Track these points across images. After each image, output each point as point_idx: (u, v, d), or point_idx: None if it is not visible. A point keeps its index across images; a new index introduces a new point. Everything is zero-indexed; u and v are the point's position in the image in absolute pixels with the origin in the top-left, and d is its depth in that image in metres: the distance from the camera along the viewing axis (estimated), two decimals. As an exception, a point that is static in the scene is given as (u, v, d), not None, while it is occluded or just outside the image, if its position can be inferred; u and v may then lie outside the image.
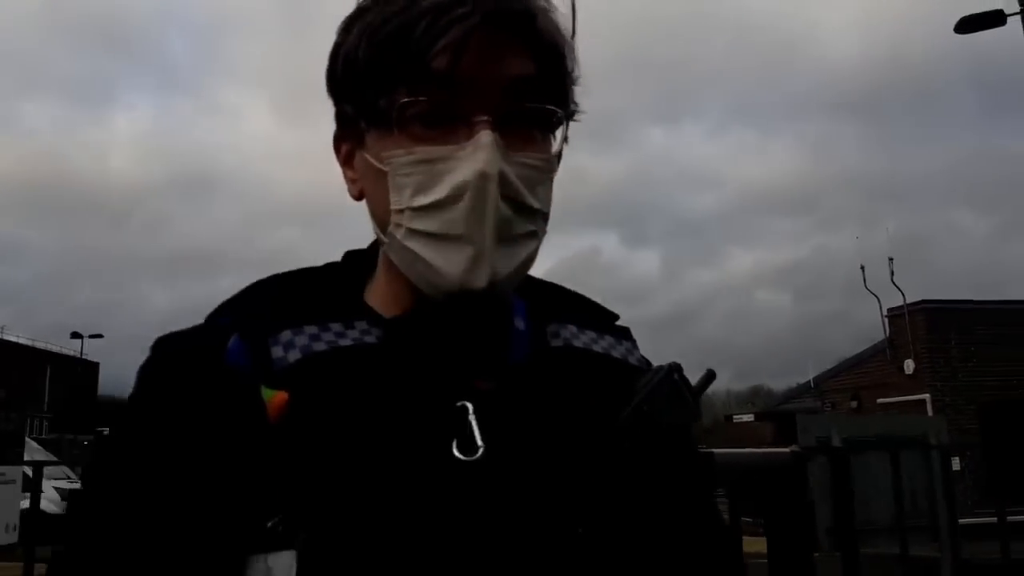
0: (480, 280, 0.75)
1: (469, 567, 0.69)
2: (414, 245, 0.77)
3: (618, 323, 0.94)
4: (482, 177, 0.73)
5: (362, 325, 0.79)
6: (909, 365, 18.91)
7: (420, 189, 0.76)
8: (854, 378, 21.13)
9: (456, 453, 0.73)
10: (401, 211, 0.77)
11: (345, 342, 0.77)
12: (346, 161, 0.85)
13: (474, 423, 0.74)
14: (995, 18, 14.04)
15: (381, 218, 0.80)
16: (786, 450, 1.78)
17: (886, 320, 19.93)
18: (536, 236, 0.80)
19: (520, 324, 0.85)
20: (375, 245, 0.87)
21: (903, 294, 19.40)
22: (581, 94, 0.83)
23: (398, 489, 0.70)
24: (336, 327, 0.78)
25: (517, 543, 0.71)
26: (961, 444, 14.28)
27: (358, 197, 0.84)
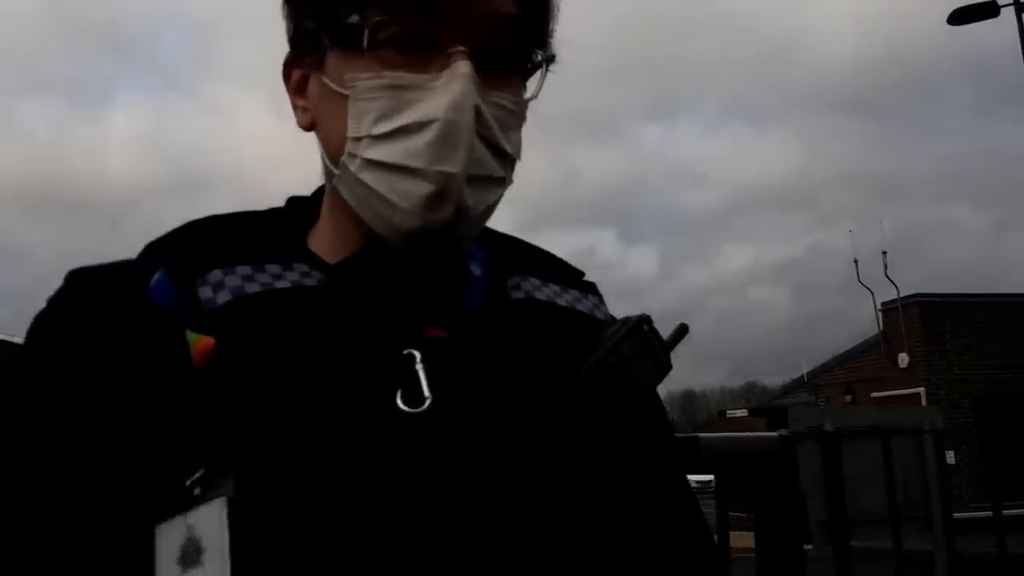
0: (439, 219, 0.69)
1: (411, 524, 0.63)
2: (369, 178, 0.70)
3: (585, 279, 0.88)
4: (456, 109, 0.68)
5: (302, 268, 0.73)
6: (903, 359, 18.89)
7: (384, 115, 0.69)
8: (848, 372, 21.13)
9: (400, 404, 0.66)
10: (359, 139, 0.70)
11: (282, 284, 0.70)
12: (298, 89, 0.78)
13: (421, 373, 0.68)
14: (988, 9, 13.99)
15: (334, 149, 0.73)
16: (774, 434, 1.71)
17: (880, 314, 19.91)
18: (503, 184, 0.74)
19: (477, 271, 0.80)
20: (320, 192, 0.81)
21: (897, 288, 19.39)
22: (558, 44, 0.79)
23: (334, 441, 0.63)
24: (273, 269, 0.71)
25: (465, 500, 0.65)
26: (956, 436, 14.25)
27: (308, 127, 0.78)
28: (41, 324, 0.69)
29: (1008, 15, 13.89)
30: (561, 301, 0.81)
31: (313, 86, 0.76)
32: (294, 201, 0.83)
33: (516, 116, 0.74)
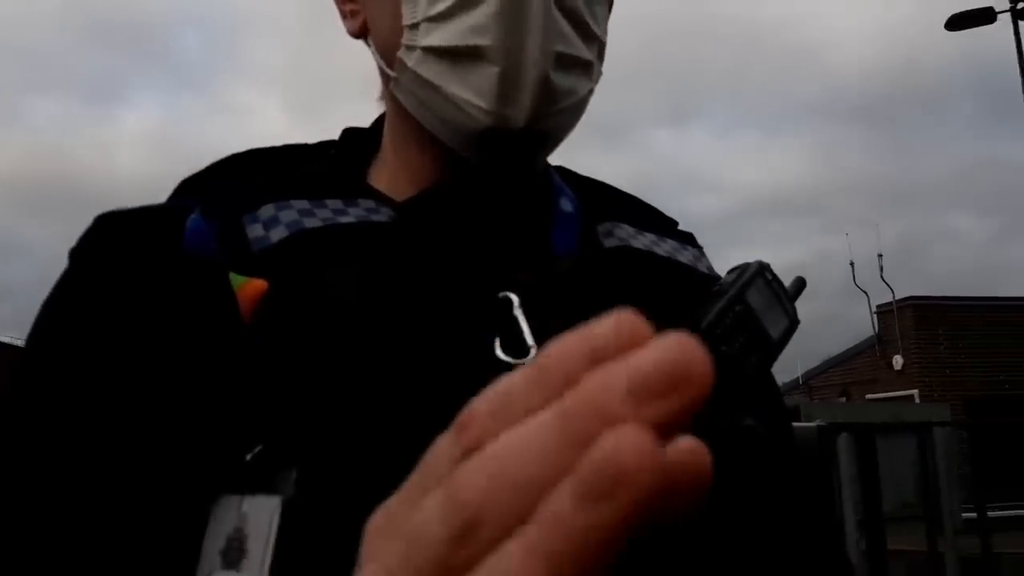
0: (517, 114, 0.57)
1: None
2: (429, 71, 0.58)
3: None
4: None
5: (367, 204, 0.62)
6: (898, 361, 18.91)
7: None
8: (843, 374, 21.15)
9: (500, 355, 0.56)
10: (415, 26, 0.59)
11: (346, 219, 0.59)
12: None
13: (522, 319, 0.57)
14: (985, 15, 14.03)
15: (389, 46, 0.62)
16: (812, 424, 1.65)
17: (875, 316, 19.94)
18: (592, 72, 0.62)
19: (568, 207, 0.68)
20: (379, 123, 0.71)
21: (892, 290, 19.42)
22: None
23: (426, 404, 0.49)
24: (333, 204, 0.60)
25: None
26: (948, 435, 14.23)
27: (359, 32, 0.67)
28: (66, 284, 0.60)
29: (1005, 20, 13.94)
30: (660, 251, 0.70)
31: None
32: (350, 133, 0.71)
33: None
